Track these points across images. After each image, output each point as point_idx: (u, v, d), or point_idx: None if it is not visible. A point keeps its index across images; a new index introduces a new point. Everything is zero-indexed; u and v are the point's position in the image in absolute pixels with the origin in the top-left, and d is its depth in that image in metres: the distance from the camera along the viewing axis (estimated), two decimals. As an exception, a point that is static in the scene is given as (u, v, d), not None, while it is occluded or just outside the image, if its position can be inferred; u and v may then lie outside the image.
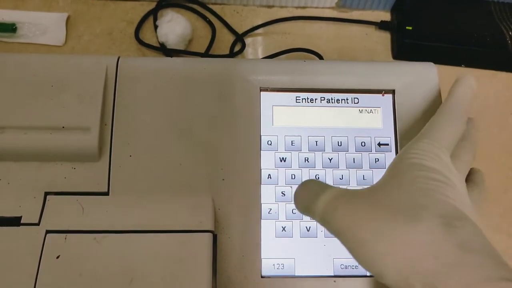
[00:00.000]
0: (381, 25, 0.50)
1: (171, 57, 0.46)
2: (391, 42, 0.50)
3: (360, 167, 0.35)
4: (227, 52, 0.48)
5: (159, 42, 0.47)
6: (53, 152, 0.33)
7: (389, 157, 0.35)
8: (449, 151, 0.28)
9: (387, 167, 0.28)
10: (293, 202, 0.28)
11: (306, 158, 0.35)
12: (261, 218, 0.34)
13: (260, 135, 0.35)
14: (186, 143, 0.35)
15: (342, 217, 0.24)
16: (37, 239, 0.30)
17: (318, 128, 0.36)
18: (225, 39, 0.49)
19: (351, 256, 0.24)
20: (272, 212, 0.34)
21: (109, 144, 0.34)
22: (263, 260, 0.33)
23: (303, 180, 0.34)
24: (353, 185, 0.35)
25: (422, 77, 0.37)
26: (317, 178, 0.35)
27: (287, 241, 0.33)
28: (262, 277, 0.32)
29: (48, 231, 0.31)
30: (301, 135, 0.35)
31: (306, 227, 0.34)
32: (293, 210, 0.34)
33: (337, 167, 0.35)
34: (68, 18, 0.48)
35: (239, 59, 0.46)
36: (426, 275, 0.21)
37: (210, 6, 0.50)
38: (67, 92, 0.34)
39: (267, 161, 0.35)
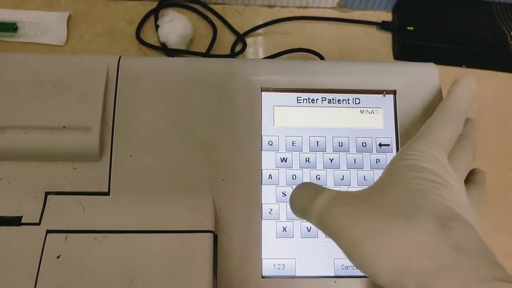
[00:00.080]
0: (382, 26, 0.50)
1: (172, 57, 0.46)
2: (392, 43, 0.50)
3: (361, 167, 0.35)
4: (228, 52, 0.48)
5: (160, 42, 0.47)
6: (53, 152, 0.33)
7: (390, 157, 0.35)
8: (446, 152, 0.28)
9: (387, 167, 0.28)
10: (289, 204, 0.28)
11: (307, 159, 0.35)
12: (261, 218, 0.34)
13: (261, 135, 0.35)
14: (187, 143, 0.34)
15: (338, 218, 0.24)
16: (37, 239, 0.31)
17: (319, 128, 0.36)
18: (226, 39, 0.49)
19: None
20: (273, 212, 0.34)
21: (110, 144, 0.34)
22: (263, 261, 0.33)
23: (303, 181, 0.35)
24: (354, 186, 0.35)
25: (423, 78, 0.37)
26: (317, 178, 0.35)
27: (288, 242, 0.33)
28: (262, 277, 0.32)
29: (48, 231, 0.31)
30: (302, 136, 0.35)
31: (307, 227, 0.34)
32: (294, 211, 0.34)
33: (338, 167, 0.35)
34: (69, 18, 0.48)
35: (240, 59, 0.46)
36: (420, 275, 0.21)
37: (211, 6, 0.50)
38: (68, 91, 0.34)
39: (268, 161, 0.35)
